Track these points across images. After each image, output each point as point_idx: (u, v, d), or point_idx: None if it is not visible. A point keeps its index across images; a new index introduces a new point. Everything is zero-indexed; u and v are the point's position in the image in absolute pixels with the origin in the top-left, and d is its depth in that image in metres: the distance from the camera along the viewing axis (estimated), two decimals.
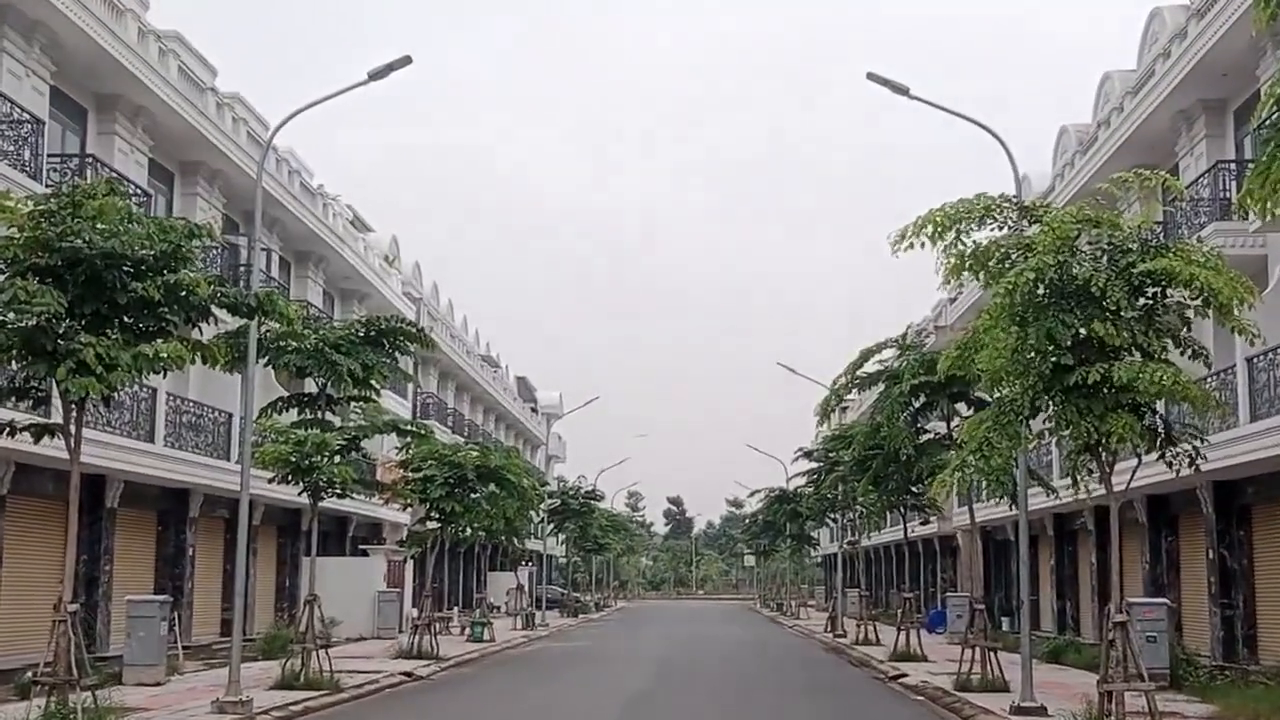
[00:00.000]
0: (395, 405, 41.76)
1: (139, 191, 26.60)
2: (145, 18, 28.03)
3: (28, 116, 22.67)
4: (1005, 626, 38.93)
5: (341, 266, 41.50)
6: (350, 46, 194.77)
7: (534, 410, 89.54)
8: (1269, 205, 8.64)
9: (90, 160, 25.26)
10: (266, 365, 23.34)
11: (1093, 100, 34.60)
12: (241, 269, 32.75)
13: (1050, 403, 15.09)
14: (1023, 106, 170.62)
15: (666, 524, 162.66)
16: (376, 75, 21.05)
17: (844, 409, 60.04)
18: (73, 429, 15.63)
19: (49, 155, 24.04)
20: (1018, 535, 22.77)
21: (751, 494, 69.63)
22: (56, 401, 16.46)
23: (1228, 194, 24.68)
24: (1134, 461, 15.65)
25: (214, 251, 30.04)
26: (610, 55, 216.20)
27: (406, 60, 21.01)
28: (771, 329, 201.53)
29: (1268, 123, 8.06)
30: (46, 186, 21.22)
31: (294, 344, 22.73)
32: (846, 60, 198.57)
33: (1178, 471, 15.67)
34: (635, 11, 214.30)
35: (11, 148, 22.06)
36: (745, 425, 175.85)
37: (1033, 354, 14.72)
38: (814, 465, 44.71)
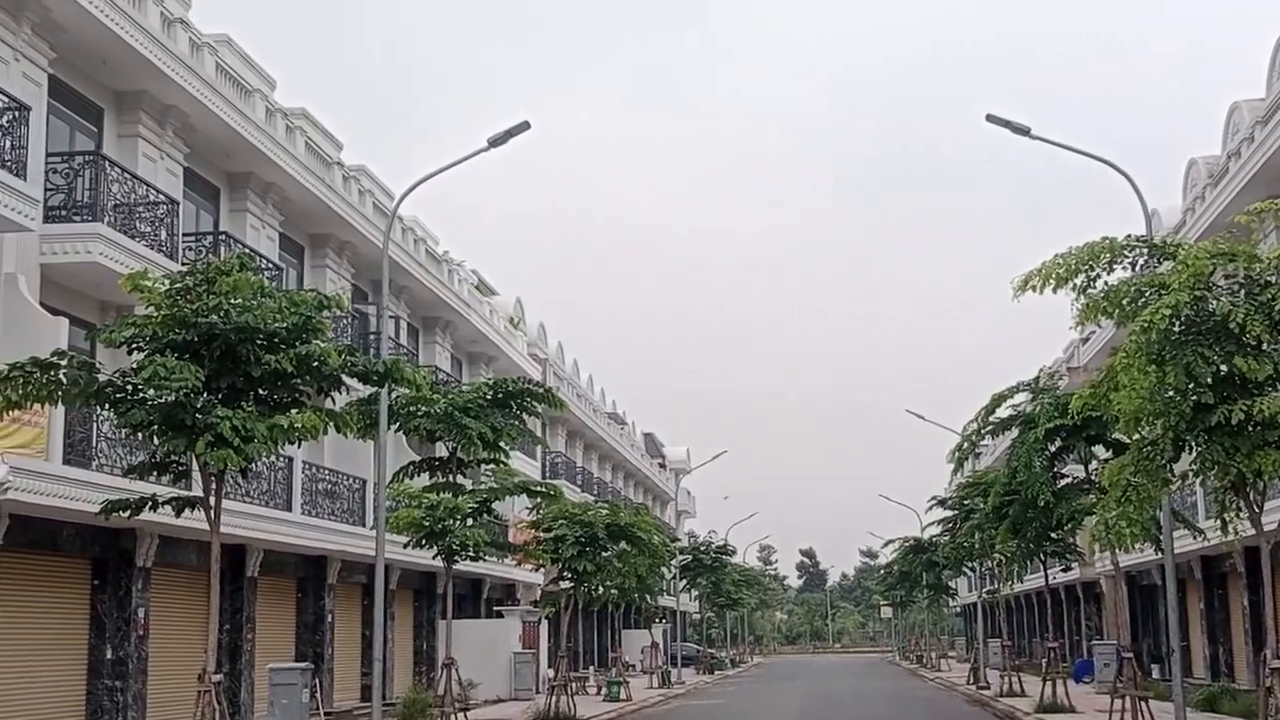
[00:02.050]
0: (525, 466, 42.01)
1: (271, 266, 27.26)
2: (272, 96, 28.84)
3: (164, 198, 23.38)
4: (1155, 674, 37.69)
5: (468, 330, 42.02)
6: (471, 110, 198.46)
7: (662, 466, 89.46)
8: None
9: (224, 237, 25.94)
10: (398, 431, 23.66)
11: (1221, 131, 33.80)
12: (371, 337, 33.30)
13: (1193, 443, 14.64)
14: (1145, 139, 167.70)
15: (800, 577, 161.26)
16: (496, 142, 21.36)
17: (977, 455, 59.07)
18: (212, 500, 15.94)
19: (184, 234, 24.74)
20: (1164, 579, 22.07)
21: (885, 544, 68.72)
22: (196, 475, 16.82)
23: None
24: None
25: (344, 321, 30.64)
26: (732, 103, 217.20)
27: (525, 126, 21.31)
28: (900, 376, 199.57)
29: None
30: (182, 265, 21.83)
31: (424, 409, 23.01)
32: (968, 101, 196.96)
33: None
34: (753, 58, 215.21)
35: (149, 229, 22.75)
36: (876, 474, 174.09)
37: (1172, 393, 14.32)
38: (949, 513, 43.90)
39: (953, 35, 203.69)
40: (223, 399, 15.40)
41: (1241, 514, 14.97)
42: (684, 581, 63.31)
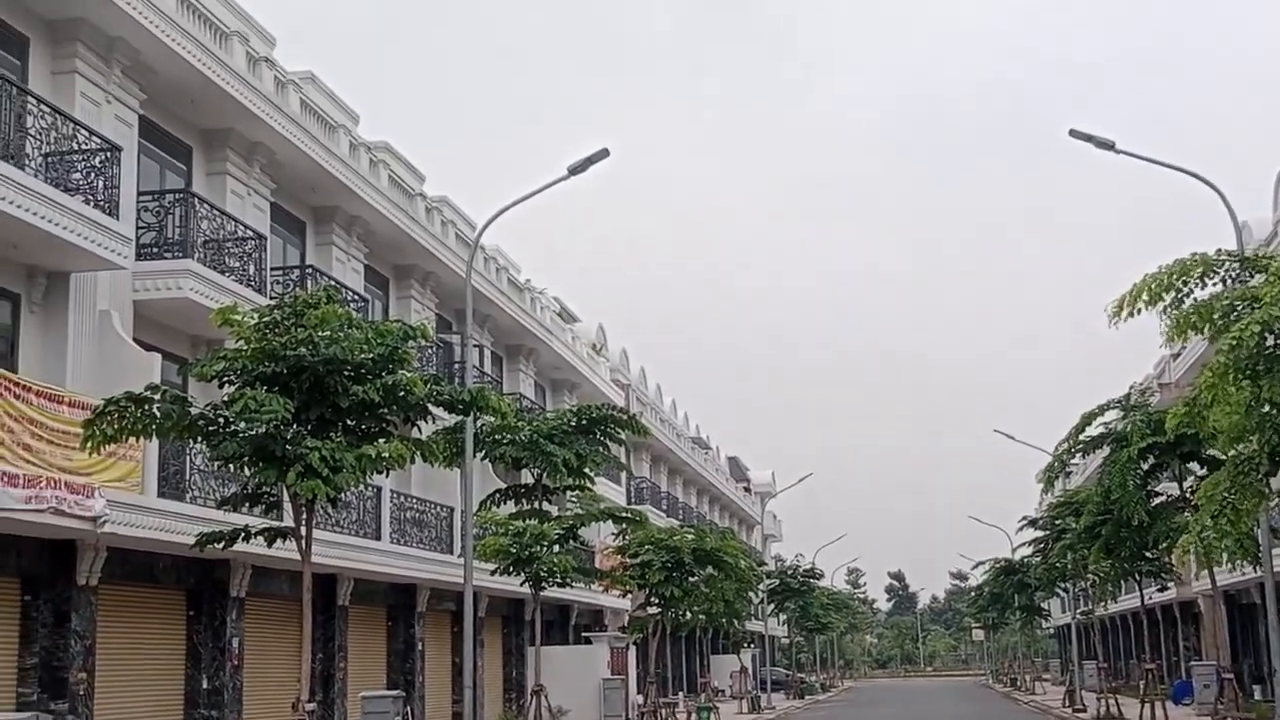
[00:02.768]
0: (610, 492, 42.06)
1: (357, 298, 27.59)
2: (356, 131, 29.25)
3: (251, 233, 23.76)
4: (1256, 695, 36.81)
5: (551, 358, 42.22)
6: (556, 140, 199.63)
7: (747, 490, 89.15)
8: None
9: (310, 270, 26.30)
10: (484, 459, 23.82)
11: None
12: (456, 366, 33.56)
13: None
14: (1235, 150, 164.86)
15: (889, 600, 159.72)
16: (576, 170, 21.49)
17: (1067, 474, 58.24)
18: (303, 530, 16.13)
19: (271, 268, 25.11)
20: (1264, 597, 21.58)
21: (975, 565, 67.88)
22: (287, 505, 17.02)
23: None
24: None
25: (429, 351, 30.92)
26: (798, 128, 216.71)
27: (604, 153, 21.41)
28: (987, 396, 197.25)
29: None
30: (270, 298, 22.16)
31: (509, 437, 23.14)
32: (1051, 115, 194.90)
33: None
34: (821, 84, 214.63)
35: (238, 264, 23.13)
36: (966, 496, 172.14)
37: (1268, 408, 14.05)
38: (1040, 534, 43.29)
39: (1047, 55, 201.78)
40: (312, 430, 15.58)
41: None
42: (772, 605, 63.00)
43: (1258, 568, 20.47)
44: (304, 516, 16.09)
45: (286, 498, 16.44)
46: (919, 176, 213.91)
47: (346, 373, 15.73)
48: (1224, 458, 16.62)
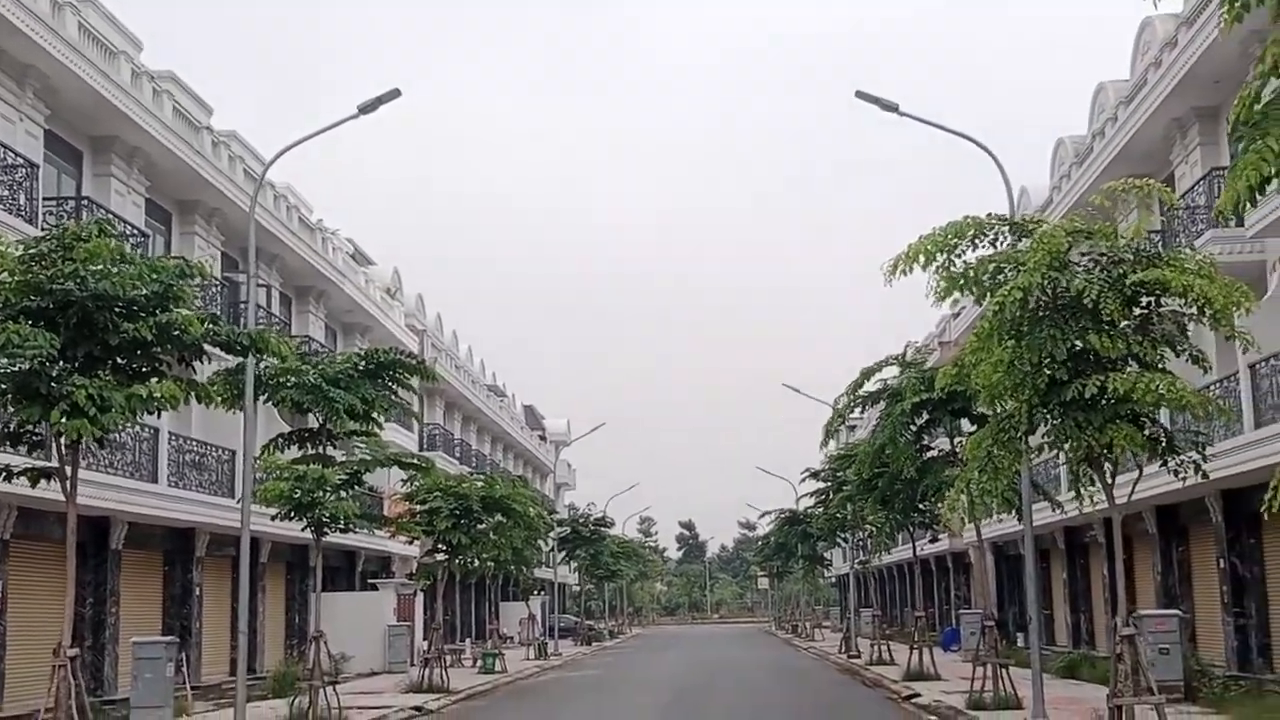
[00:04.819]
0: (401, 438, 41.72)
1: (136, 232, 26.66)
2: (139, 59, 28.12)
3: (22, 161, 22.71)
4: (1021, 643, 38.66)
5: (342, 300, 41.53)
6: (370, 85, 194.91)
7: (542, 439, 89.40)
8: (1241, 207, 8.60)
9: (86, 202, 25.28)
10: (266, 402, 23.27)
11: (1088, 111, 34.54)
12: (242, 306, 32.71)
13: (1049, 417, 14.99)
14: (1028, 120, 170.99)
15: (679, 548, 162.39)
16: (366, 109, 21.08)
17: (852, 428, 59.94)
18: (68, 471, 15.57)
19: (44, 199, 24.06)
20: (1035, 548, 22.62)
21: (762, 515, 69.52)
22: (54, 445, 16.40)
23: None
24: (1143, 471, 15.55)
25: (213, 290, 30.08)
26: (610, 74, 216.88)
27: (395, 93, 21.04)
28: (785, 347, 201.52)
29: (1242, 122, 8.03)
30: (43, 230, 21.24)
31: (292, 380, 22.64)
32: (848, 76, 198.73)
33: (1184, 480, 15.54)
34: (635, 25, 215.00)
35: (6, 192, 22.09)
36: (757, 447, 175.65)
37: (1028, 368, 14.62)
38: (822, 485, 44.52)
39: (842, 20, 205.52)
40: (80, 368, 15.02)
41: (1095, 486, 15.35)
42: (562, 553, 63.43)
43: (1021, 520, 21.42)
44: (69, 457, 15.51)
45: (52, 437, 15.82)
46: (730, 126, 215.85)
47: (118, 309, 15.18)
48: (990, 415, 17.28)
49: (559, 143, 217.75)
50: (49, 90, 24.27)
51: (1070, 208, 29.48)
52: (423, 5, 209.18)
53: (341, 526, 24.01)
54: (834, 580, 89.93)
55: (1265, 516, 18.87)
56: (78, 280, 14.71)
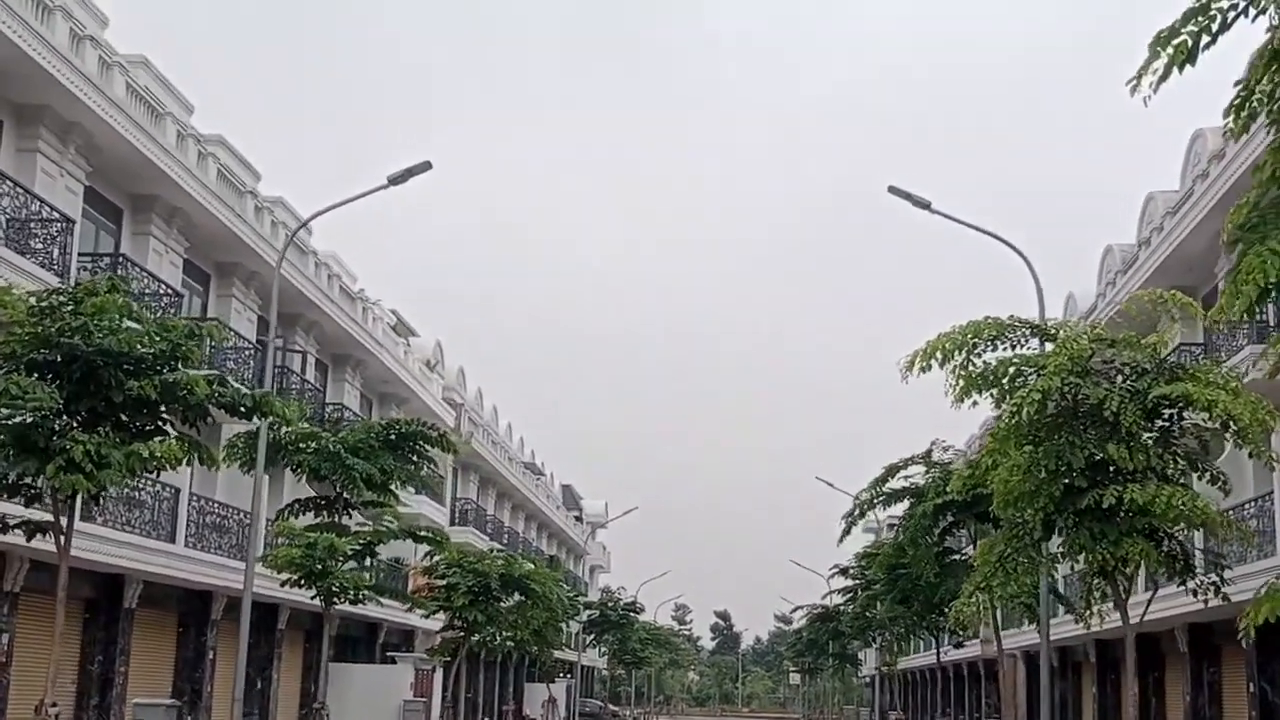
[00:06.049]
0: (431, 511, 41.50)
1: (171, 292, 26.73)
2: (189, 121, 28.42)
3: (57, 215, 22.87)
4: None
5: (380, 370, 41.50)
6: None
7: (578, 519, 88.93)
8: (1236, 306, 8.42)
9: (122, 260, 25.41)
10: (284, 466, 23.20)
11: (1137, 220, 34.21)
12: (276, 370, 32.76)
13: (1063, 525, 14.60)
14: (1081, 226, 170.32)
15: (714, 638, 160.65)
16: (396, 180, 21.16)
17: (876, 531, 59.17)
18: (64, 525, 15.43)
19: (80, 254, 24.19)
20: (1064, 660, 22.00)
21: (795, 609, 68.61)
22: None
23: (1265, 315, 24.08)
24: (1167, 589, 15.08)
25: (246, 353, 30.15)
26: (657, 163, 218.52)
27: (426, 166, 21.12)
28: (826, 442, 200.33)
29: (1238, 227, 7.83)
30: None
31: (312, 445, 22.56)
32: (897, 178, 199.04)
33: (1205, 601, 15.07)
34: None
35: (40, 245, 22.22)
36: (794, 539, 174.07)
37: (1044, 475, 14.28)
38: (851, 583, 43.83)
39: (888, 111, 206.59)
40: (83, 423, 14.94)
41: (1108, 600, 14.92)
42: (590, 636, 62.79)
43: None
44: (64, 511, 15.38)
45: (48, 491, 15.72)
46: (770, 207, 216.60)
47: (125, 366, 15.11)
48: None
49: (605, 223, 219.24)
50: (92, 148, 24.50)
51: (1113, 316, 29.06)
52: (507, 88, 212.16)
53: (352, 598, 23.80)
54: (867, 680, 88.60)
55: None
56: (84, 335, 14.67)
